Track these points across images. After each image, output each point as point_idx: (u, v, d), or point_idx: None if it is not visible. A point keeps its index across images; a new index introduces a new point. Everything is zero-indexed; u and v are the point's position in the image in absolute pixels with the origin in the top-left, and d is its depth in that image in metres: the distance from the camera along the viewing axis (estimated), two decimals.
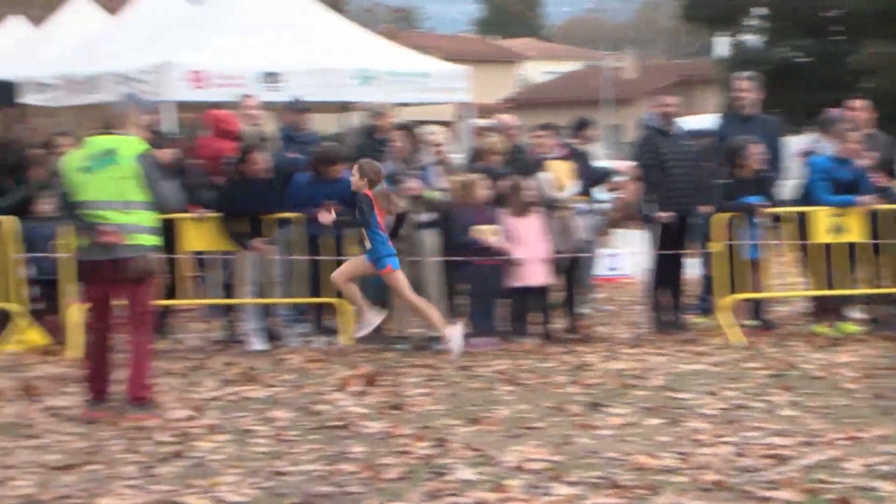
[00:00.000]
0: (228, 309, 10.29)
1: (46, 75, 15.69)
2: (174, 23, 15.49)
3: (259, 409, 7.59)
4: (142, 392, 7.36)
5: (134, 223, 7.27)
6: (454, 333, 9.40)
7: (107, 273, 7.29)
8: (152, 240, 7.38)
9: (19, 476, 6.08)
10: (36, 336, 9.82)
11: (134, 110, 7.67)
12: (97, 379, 7.42)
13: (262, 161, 9.96)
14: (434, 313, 9.49)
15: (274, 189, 9.99)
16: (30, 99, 15.46)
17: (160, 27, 15.47)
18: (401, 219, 9.68)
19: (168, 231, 9.74)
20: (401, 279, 9.35)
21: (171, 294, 10.02)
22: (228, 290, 10.11)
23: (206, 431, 6.99)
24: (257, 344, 9.90)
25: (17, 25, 19.84)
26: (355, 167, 9.40)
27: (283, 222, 10.00)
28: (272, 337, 10.02)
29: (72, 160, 7.40)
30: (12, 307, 9.81)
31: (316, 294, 10.03)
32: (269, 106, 12.36)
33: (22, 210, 9.98)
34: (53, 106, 15.75)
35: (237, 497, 5.71)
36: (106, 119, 7.58)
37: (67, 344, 9.35)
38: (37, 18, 19.73)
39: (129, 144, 7.33)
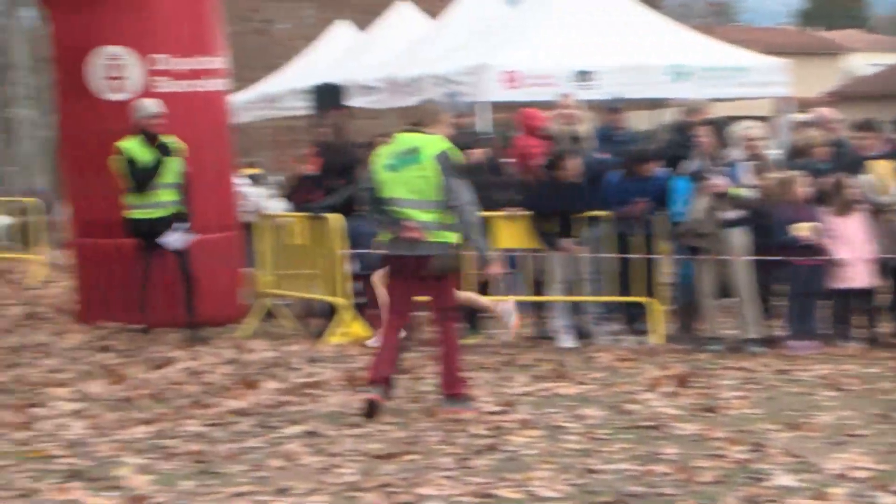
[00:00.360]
0: (538, 306, 10.38)
1: (371, 78, 16.33)
2: (491, 24, 15.78)
3: (570, 406, 7.62)
4: (456, 388, 7.49)
5: (435, 221, 7.37)
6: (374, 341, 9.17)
7: (410, 269, 7.43)
8: (454, 237, 7.44)
9: (343, 463, 6.34)
10: (359, 329, 10.23)
11: (445, 109, 7.81)
12: (383, 363, 7.47)
13: (573, 166, 10.00)
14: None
15: (583, 190, 10.00)
16: (356, 101, 16.15)
17: (478, 29, 15.80)
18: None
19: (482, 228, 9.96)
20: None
21: (483, 291, 10.21)
22: (539, 288, 10.21)
23: (518, 426, 7.08)
24: (567, 341, 9.95)
25: (344, 30, 20.78)
26: None
27: (593, 221, 10.01)
28: (581, 334, 10.04)
29: (380, 157, 7.58)
30: (338, 301, 10.26)
31: (626, 293, 9.98)
32: (582, 105, 12.38)
33: (348, 208, 10.42)
34: (378, 108, 16.39)
35: (550, 493, 5.75)
36: (417, 117, 7.74)
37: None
38: (362, 23, 20.60)
39: (432, 143, 7.42)
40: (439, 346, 7.54)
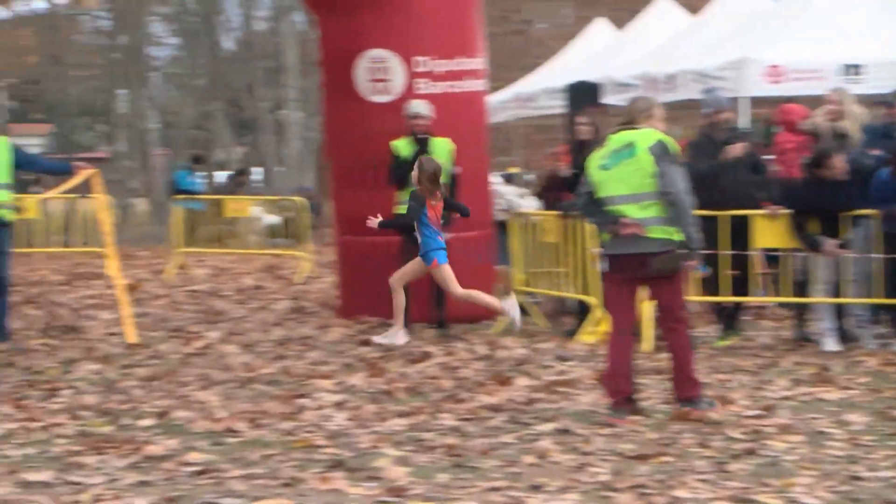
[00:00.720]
0: (800, 307, 10.05)
1: (627, 76, 16.21)
2: (754, 18, 15.40)
3: (833, 412, 7.35)
4: (691, 390, 7.26)
5: (654, 217, 7.19)
6: (510, 304, 9.66)
7: (631, 267, 7.26)
8: (676, 234, 7.22)
9: (596, 462, 6.31)
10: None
11: (657, 105, 7.59)
12: (619, 378, 7.32)
13: (838, 164, 9.61)
14: (484, 297, 9.79)
15: (849, 188, 9.59)
16: (611, 99, 16.06)
17: (740, 23, 15.45)
18: (448, 207, 9.96)
19: (740, 227, 9.73)
20: (447, 273, 9.65)
21: (741, 290, 9.97)
22: (801, 288, 9.88)
23: (778, 431, 6.88)
24: (830, 344, 9.59)
25: (601, 29, 20.73)
26: (416, 163, 9.81)
27: (859, 220, 9.60)
28: (846, 338, 9.65)
29: (593, 159, 7.44)
30: (589, 299, 10.23)
31: (894, 294, 9.52)
32: (854, 99, 11.89)
33: None
34: None
35: (811, 500, 5.57)
36: (628, 113, 7.55)
37: (641, 337, 9.56)
38: (621, 20, 20.49)
39: (646, 136, 7.24)
40: (669, 348, 7.37)
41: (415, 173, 9.85)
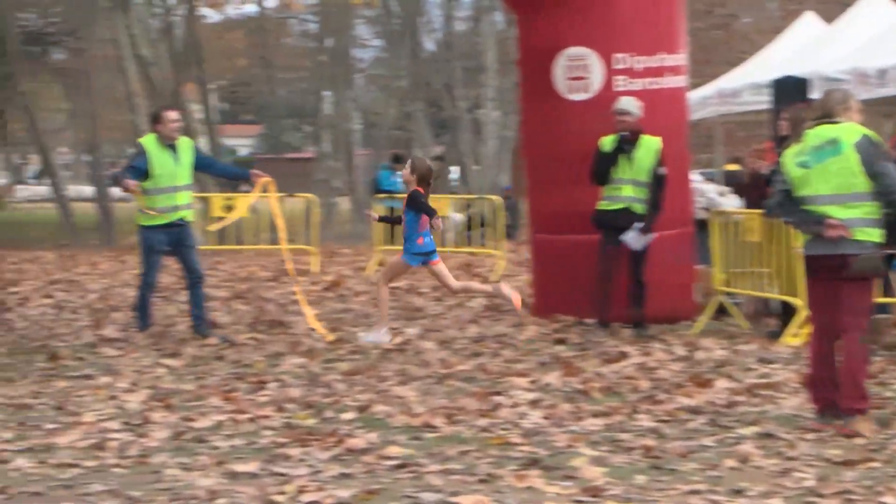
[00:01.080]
0: None
1: (836, 70, 15.70)
2: None
3: None
4: (854, 402, 6.88)
5: (859, 217, 6.87)
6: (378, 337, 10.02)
7: (830, 269, 6.95)
8: (878, 235, 6.92)
9: (800, 468, 6.14)
10: None
11: (853, 96, 7.23)
12: (819, 384, 7.05)
13: None
14: (382, 295, 10.31)
15: None
16: (818, 95, 15.57)
17: None
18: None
19: None
20: (398, 268, 10.31)
21: None
22: None
23: None
24: None
25: (810, 22, 20.17)
26: (408, 162, 10.27)
27: None
28: None
29: (789, 155, 7.14)
30: (795, 301, 9.96)
31: None
32: None
33: None
34: None
35: None
36: (824, 107, 7.24)
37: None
38: (829, 14, 19.89)
39: (850, 131, 6.91)
40: (843, 354, 6.98)
41: (406, 173, 10.16)
